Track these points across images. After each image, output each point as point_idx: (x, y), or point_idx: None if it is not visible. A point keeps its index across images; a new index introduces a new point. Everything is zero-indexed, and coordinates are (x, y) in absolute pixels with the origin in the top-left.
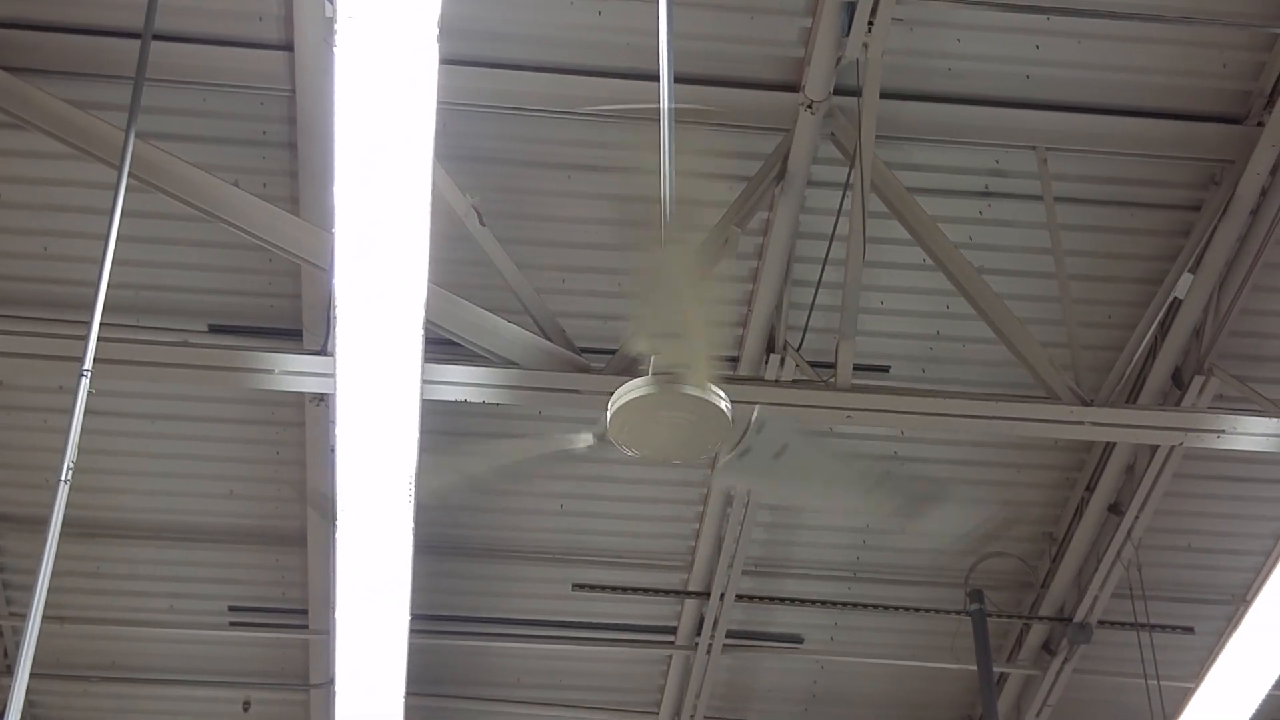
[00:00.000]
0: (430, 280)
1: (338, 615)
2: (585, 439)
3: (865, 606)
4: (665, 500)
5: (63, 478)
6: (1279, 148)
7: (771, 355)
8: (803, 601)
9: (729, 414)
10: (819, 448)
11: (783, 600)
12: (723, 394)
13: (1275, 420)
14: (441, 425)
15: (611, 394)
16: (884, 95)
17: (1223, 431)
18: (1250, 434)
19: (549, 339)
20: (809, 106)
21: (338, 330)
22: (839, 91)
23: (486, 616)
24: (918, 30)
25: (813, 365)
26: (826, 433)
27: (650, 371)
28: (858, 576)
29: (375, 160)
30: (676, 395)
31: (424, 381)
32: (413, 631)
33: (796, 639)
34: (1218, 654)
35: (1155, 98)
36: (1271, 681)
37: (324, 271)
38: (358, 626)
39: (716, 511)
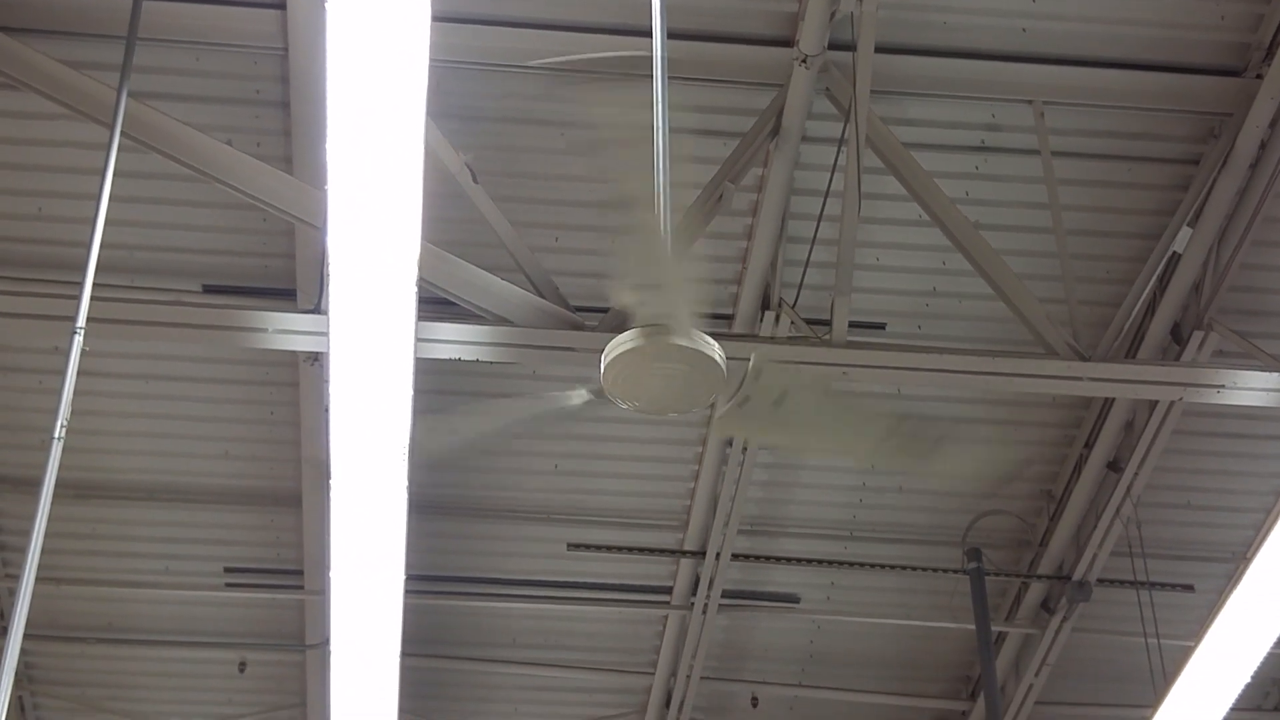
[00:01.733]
0: (424, 238)
1: (333, 576)
2: (581, 395)
3: (862, 565)
4: (660, 459)
5: (56, 435)
6: (1278, 100)
7: (766, 312)
8: (799, 561)
9: (723, 364)
10: (822, 394)
11: (779, 559)
12: (716, 344)
13: (1275, 375)
14: (436, 384)
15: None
16: (879, 49)
17: (1223, 386)
18: (1250, 389)
19: (543, 296)
20: (803, 61)
21: (331, 288)
22: (833, 46)
23: (481, 576)
24: None
25: (808, 322)
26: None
27: (638, 324)
28: (855, 535)
29: (368, 118)
30: (669, 346)
31: (418, 339)
32: (408, 591)
33: (793, 598)
34: (1218, 612)
35: (1153, 50)
36: (1272, 640)
37: (318, 230)
38: (353, 587)
39: (712, 470)
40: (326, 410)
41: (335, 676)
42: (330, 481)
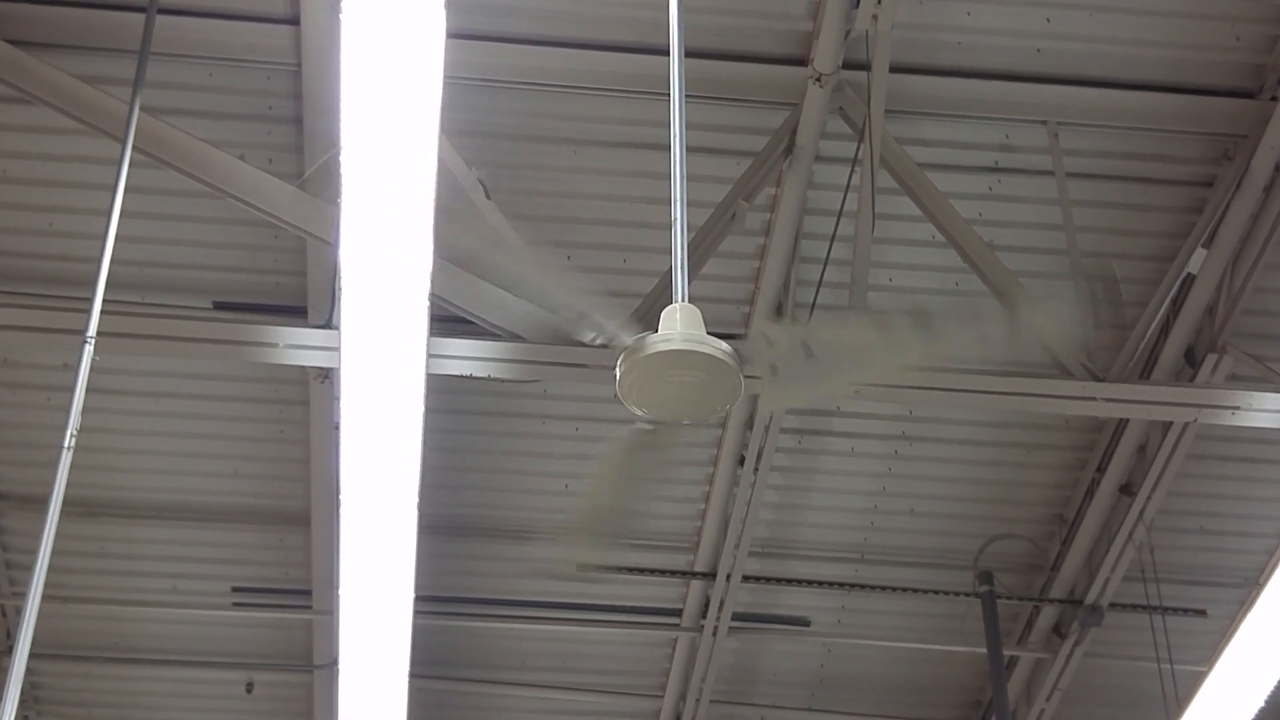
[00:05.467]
0: (436, 254)
1: (341, 596)
2: (602, 332)
3: (873, 588)
4: (671, 480)
5: (66, 445)
6: None
7: None
8: (810, 583)
9: (739, 372)
10: (839, 330)
11: (790, 582)
12: (731, 351)
13: None
14: (447, 402)
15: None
16: (893, 69)
17: (1237, 408)
18: (1265, 410)
19: (555, 313)
20: (817, 80)
21: (343, 304)
22: (848, 65)
23: (491, 598)
24: (927, 3)
25: None
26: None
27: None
28: (865, 558)
29: (381, 135)
30: (686, 353)
31: (430, 355)
32: (417, 612)
33: (803, 621)
34: (1231, 637)
35: (1167, 71)
36: None
37: (329, 246)
38: (361, 607)
39: (723, 492)
40: (336, 428)
41: (343, 697)
42: (340, 500)
